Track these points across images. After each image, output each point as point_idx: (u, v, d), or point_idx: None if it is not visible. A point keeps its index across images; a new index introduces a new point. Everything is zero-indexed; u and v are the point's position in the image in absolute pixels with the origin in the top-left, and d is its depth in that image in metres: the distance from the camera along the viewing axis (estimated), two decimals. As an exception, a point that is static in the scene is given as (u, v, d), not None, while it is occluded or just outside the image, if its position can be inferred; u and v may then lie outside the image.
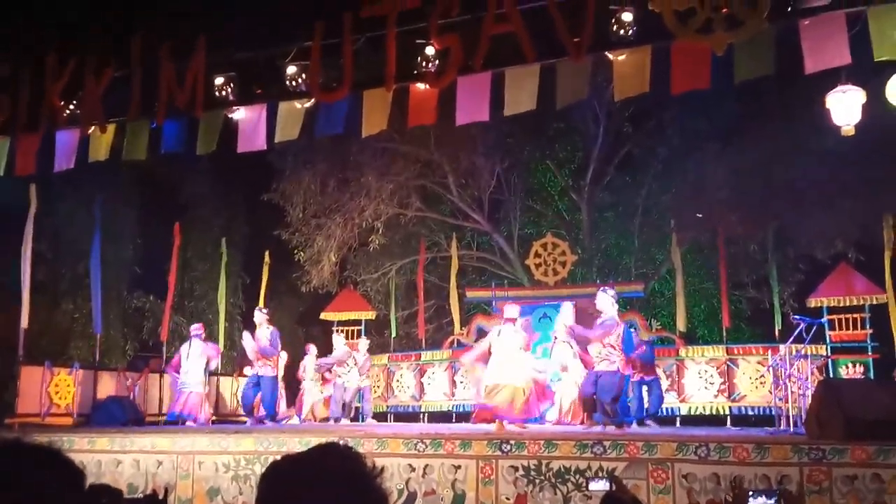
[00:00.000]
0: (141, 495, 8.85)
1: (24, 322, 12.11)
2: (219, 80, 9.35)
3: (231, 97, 9.42)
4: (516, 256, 19.15)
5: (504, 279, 18.86)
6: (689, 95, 13.32)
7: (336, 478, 1.23)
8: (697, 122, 16.54)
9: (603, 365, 9.72)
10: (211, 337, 15.98)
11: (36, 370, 12.06)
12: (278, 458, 1.33)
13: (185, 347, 12.95)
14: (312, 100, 9.28)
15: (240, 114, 9.65)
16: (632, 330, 11.18)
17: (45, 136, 10.31)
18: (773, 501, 3.58)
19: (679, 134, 17.44)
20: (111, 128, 10.05)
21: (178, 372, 12.75)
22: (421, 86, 8.90)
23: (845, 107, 8.18)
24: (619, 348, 9.73)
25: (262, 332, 12.44)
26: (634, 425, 11.13)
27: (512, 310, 10.72)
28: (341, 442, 1.31)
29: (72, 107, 10.06)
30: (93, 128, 9.98)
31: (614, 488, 4.34)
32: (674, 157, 17.32)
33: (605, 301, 9.87)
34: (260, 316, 12.65)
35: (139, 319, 20.02)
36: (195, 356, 12.67)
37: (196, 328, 13.21)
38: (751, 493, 3.64)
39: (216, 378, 14.87)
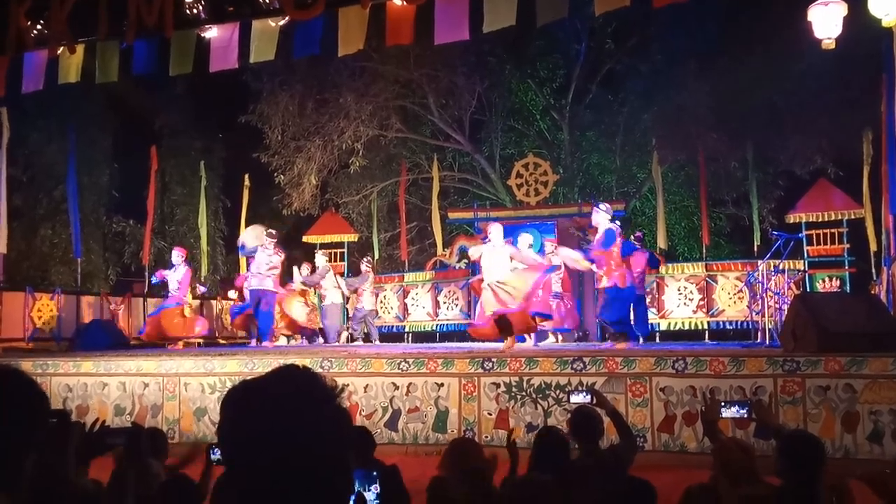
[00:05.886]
0: (128, 416, 8.98)
1: (3, 247, 12.03)
2: (189, -2, 9.10)
3: (202, 15, 9.17)
4: (498, 177, 19.09)
5: (486, 199, 18.84)
6: (672, 12, 13.18)
7: (293, 400, 1.23)
8: (679, 40, 16.33)
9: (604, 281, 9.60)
10: (193, 261, 15.98)
11: (17, 295, 12.05)
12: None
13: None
14: (286, 17, 9.05)
15: (212, 32, 9.40)
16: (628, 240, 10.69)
17: (14, 59, 10.04)
18: (745, 411, 3.66)
19: (661, 51, 17.24)
20: (80, 49, 9.78)
21: None
22: (398, 2, 8.69)
23: (827, 20, 8.07)
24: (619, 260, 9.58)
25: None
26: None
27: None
28: (300, 363, 1.31)
29: (39, 27, 9.77)
30: (61, 49, 9.72)
31: (595, 401, 4.43)
32: (656, 75, 17.15)
33: (602, 217, 9.71)
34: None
35: (120, 244, 19.90)
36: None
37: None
38: (723, 403, 3.71)
39: (201, 301, 14.94)
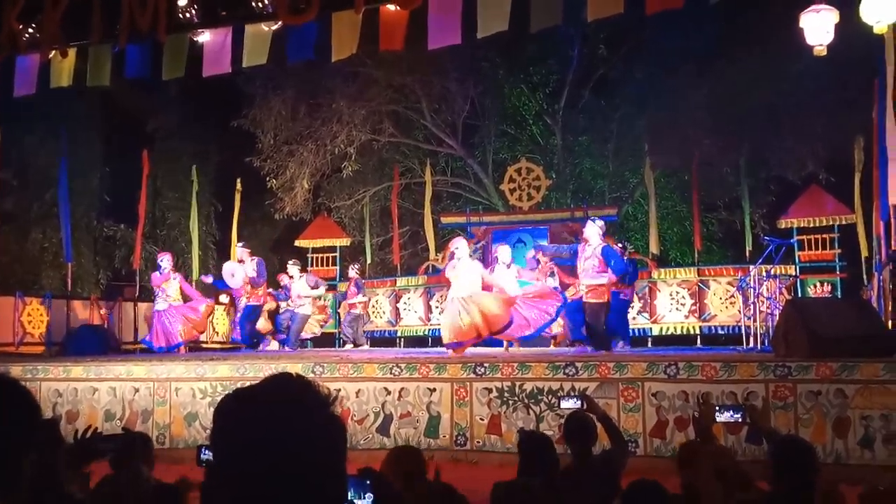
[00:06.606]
0: (118, 422, 8.93)
1: (-6, 252, 12.00)
2: (182, 2, 9.07)
3: (195, 19, 9.15)
4: (491, 181, 19.10)
5: (479, 204, 18.87)
6: (665, 18, 13.20)
7: (285, 407, 1.23)
8: (672, 46, 16.36)
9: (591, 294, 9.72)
10: (184, 266, 15.94)
11: (7, 300, 12.00)
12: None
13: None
14: (280, 22, 9.05)
15: (205, 37, 9.39)
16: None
17: (6, 63, 10.00)
18: (739, 415, 3.66)
19: (654, 57, 17.26)
20: (72, 52, 9.75)
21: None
22: (391, 7, 8.69)
23: (818, 27, 8.12)
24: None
25: (248, 265, 12.60)
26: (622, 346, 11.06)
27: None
28: (293, 371, 1.31)
29: (31, 30, 9.73)
30: (53, 52, 9.68)
31: (585, 406, 4.43)
32: (648, 81, 17.18)
33: (593, 230, 9.80)
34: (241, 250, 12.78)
35: (111, 248, 19.83)
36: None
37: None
38: (717, 408, 3.72)
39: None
